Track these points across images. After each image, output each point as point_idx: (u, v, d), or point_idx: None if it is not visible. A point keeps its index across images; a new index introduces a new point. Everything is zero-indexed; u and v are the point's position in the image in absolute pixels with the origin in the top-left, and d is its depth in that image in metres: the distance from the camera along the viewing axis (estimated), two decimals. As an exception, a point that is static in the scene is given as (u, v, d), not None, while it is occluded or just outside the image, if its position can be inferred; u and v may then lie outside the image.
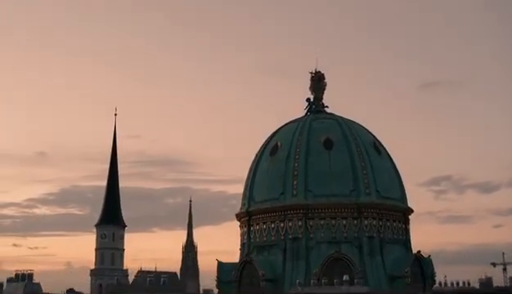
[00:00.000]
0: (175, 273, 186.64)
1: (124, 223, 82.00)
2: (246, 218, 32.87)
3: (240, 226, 33.75)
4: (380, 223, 31.07)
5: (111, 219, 79.72)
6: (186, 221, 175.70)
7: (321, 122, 33.97)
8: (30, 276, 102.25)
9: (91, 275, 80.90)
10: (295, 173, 31.41)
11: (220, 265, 33.14)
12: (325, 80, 36.21)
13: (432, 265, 32.23)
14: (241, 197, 34.39)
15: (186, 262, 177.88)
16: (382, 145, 34.47)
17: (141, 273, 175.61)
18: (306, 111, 36.04)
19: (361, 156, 31.97)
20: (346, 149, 32.17)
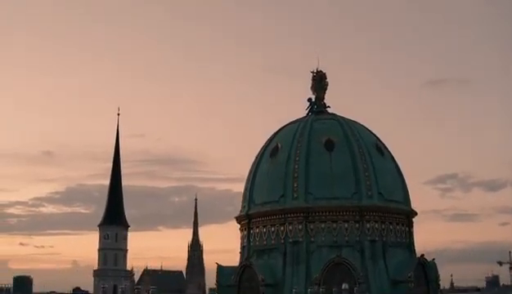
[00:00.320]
0: (181, 272, 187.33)
1: (127, 223, 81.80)
2: (246, 221, 32.23)
3: (240, 229, 33.11)
4: (383, 226, 30.32)
5: (114, 219, 79.53)
6: (192, 220, 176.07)
7: (322, 122, 33.24)
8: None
9: (94, 276, 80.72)
10: (295, 175, 30.70)
11: (220, 268, 32.55)
12: (327, 80, 35.46)
13: (436, 268, 31.51)
14: (241, 199, 33.74)
15: (191, 261, 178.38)
16: (385, 146, 33.71)
17: (147, 272, 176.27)
18: (307, 111, 35.30)
19: (363, 157, 31.20)
20: (347, 151, 31.44)
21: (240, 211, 33.14)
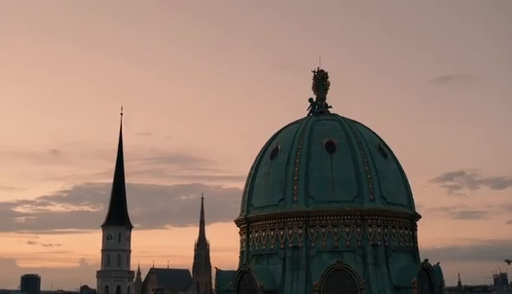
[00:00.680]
0: (187, 271, 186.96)
1: (131, 224, 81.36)
2: (245, 225, 31.44)
3: (239, 233, 32.31)
4: (385, 230, 29.43)
5: (117, 220, 79.08)
6: (199, 218, 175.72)
7: (323, 123, 32.34)
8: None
9: (97, 277, 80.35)
10: (295, 178, 29.84)
11: (219, 273, 31.93)
12: (328, 79, 34.57)
13: (441, 273, 30.66)
14: (240, 202, 32.96)
15: (198, 259, 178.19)
16: (388, 147, 32.80)
17: (154, 271, 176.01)
18: (308, 112, 34.43)
19: (365, 159, 30.29)
20: (349, 153, 30.54)
21: (239, 215, 32.35)
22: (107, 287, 76.93)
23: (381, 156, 31.44)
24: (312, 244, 28.83)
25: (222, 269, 31.67)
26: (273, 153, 31.87)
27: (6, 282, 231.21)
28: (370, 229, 28.99)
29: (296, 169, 30.05)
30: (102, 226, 79.57)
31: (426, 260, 29.75)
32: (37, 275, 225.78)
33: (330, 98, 34.97)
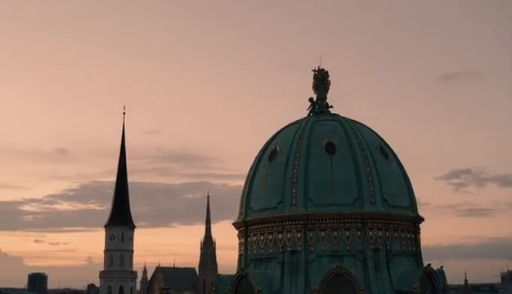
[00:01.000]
0: (193, 269, 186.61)
1: (133, 224, 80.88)
2: (243, 228, 30.74)
3: (238, 236, 31.60)
4: (387, 234, 28.62)
5: (120, 220, 78.60)
6: (205, 217, 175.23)
7: (323, 124, 31.53)
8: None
9: (100, 277, 79.95)
10: (294, 180, 29.07)
11: (218, 277, 31.51)
12: (329, 78, 33.77)
13: (444, 277, 29.90)
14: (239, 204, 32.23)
15: (204, 258, 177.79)
16: (390, 148, 31.98)
17: (160, 270, 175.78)
18: (308, 112, 33.65)
19: (365, 161, 29.47)
20: (349, 154, 29.74)
21: (238, 218, 31.65)
22: (110, 287, 76.59)
23: (382, 157, 30.63)
24: (312, 248, 28.09)
25: (227, 267, 31.14)
26: (272, 154, 31.12)
27: (13, 280, 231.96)
28: (370, 233, 28.21)
29: (295, 171, 29.29)
30: (105, 226, 79.14)
31: (429, 264, 28.97)
32: (44, 274, 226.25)
33: (332, 97, 34.27)
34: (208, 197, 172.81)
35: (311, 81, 33.93)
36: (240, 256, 30.94)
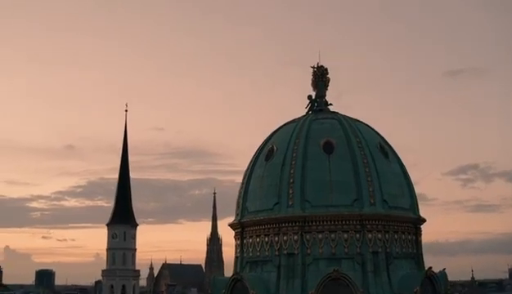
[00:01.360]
0: (200, 266, 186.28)
1: (136, 222, 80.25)
2: (239, 230, 29.90)
3: (234, 238, 30.77)
4: (387, 236, 27.68)
5: (122, 218, 77.96)
6: (211, 214, 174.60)
7: (321, 122, 30.58)
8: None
9: (102, 276, 79.46)
10: (291, 181, 28.18)
11: (213, 280, 30.89)
12: (328, 75, 32.83)
13: (446, 280, 28.98)
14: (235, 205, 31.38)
15: (210, 254, 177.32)
16: (390, 147, 31.03)
17: (166, 266, 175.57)
18: (307, 110, 32.72)
19: (365, 160, 28.50)
20: (348, 153, 28.79)
21: (234, 219, 30.81)
22: (112, 286, 76.14)
23: (382, 156, 29.67)
24: (308, 251, 27.21)
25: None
26: (268, 154, 30.25)
27: (21, 276, 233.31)
28: (369, 235, 27.30)
29: (292, 171, 28.41)
30: (107, 225, 78.66)
31: (430, 267, 28.05)
32: (51, 270, 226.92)
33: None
34: (214, 194, 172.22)
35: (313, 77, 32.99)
36: (236, 258, 30.13)
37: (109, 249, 78.35)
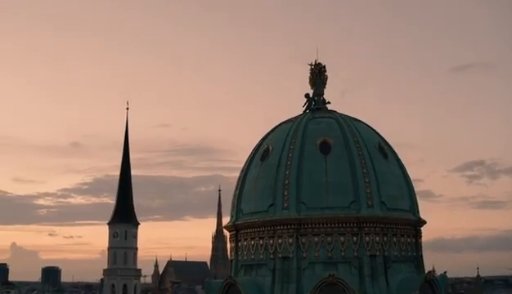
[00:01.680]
0: (205, 263, 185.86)
1: (137, 221, 79.68)
2: (234, 232, 29.13)
3: (229, 240, 30.03)
4: (385, 239, 26.79)
5: (123, 217, 77.38)
6: (216, 211, 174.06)
7: (318, 121, 29.70)
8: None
9: (103, 275, 78.99)
10: (286, 182, 27.34)
11: (207, 284, 30.18)
12: (326, 73, 31.93)
13: (447, 283, 28.29)
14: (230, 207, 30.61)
15: (215, 252, 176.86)
16: (390, 147, 30.13)
17: (171, 264, 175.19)
18: (304, 108, 31.85)
19: (363, 161, 27.60)
20: (345, 154, 27.90)
21: (228, 221, 30.05)
22: (113, 285, 75.69)
23: (381, 157, 28.78)
24: (304, 255, 26.39)
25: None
26: (264, 154, 29.41)
27: (27, 273, 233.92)
28: (367, 238, 26.43)
29: (287, 172, 27.56)
30: (108, 224, 78.18)
31: (430, 271, 27.24)
32: (57, 267, 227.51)
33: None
34: (219, 191, 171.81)
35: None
36: (231, 261, 29.39)
37: (110, 248, 77.86)
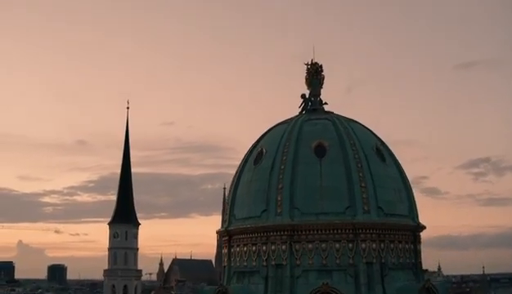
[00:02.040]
0: (210, 261, 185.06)
1: (138, 221, 79.03)
2: (226, 238, 28.25)
3: (223, 246, 29.15)
4: (382, 246, 25.82)
5: (124, 217, 76.73)
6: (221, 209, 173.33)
7: (314, 123, 28.72)
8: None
9: (104, 276, 78.41)
10: (280, 187, 26.40)
11: (201, 292, 29.26)
12: (323, 73, 30.91)
13: (446, 292, 27.21)
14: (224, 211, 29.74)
15: (220, 249, 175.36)
16: (388, 150, 29.12)
17: (176, 262, 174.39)
18: (300, 109, 30.89)
19: (359, 165, 26.61)
20: (341, 157, 26.91)
21: (221, 226, 29.16)
22: (114, 286, 75.18)
23: (379, 160, 27.78)
24: (298, 262, 25.47)
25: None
26: (257, 157, 28.48)
27: (34, 271, 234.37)
28: (363, 245, 25.46)
29: (281, 176, 26.62)
30: (108, 224, 77.63)
31: (428, 279, 26.28)
32: (63, 265, 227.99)
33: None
34: (224, 188, 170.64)
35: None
36: (224, 267, 28.53)
37: (110, 248, 77.30)
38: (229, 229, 27.93)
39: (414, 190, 28.96)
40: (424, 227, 28.37)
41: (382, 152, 28.37)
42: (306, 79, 31.10)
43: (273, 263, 25.70)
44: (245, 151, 29.97)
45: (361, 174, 26.43)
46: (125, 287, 74.87)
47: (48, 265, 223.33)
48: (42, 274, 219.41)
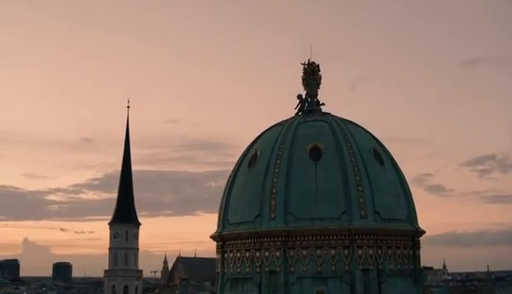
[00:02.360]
0: (214, 259, 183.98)
1: (138, 221, 78.44)
2: (220, 243, 27.50)
3: (216, 251, 28.37)
4: (379, 252, 24.98)
5: (124, 217, 76.17)
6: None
7: (310, 125, 27.89)
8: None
9: (104, 276, 77.91)
10: (274, 191, 25.59)
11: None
12: (320, 73, 30.08)
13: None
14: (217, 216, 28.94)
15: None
16: (387, 152, 28.27)
17: (180, 260, 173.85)
18: (297, 111, 30.06)
19: (356, 168, 25.76)
20: (337, 160, 26.07)
21: (215, 231, 28.38)
22: (114, 286, 74.71)
23: (376, 163, 26.91)
24: (292, 269, 24.68)
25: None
26: (252, 160, 27.69)
27: (39, 269, 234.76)
28: (360, 251, 24.63)
29: (275, 180, 25.81)
30: (109, 224, 77.13)
31: (427, 286, 25.48)
32: (68, 263, 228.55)
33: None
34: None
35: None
36: (217, 273, 27.76)
37: (111, 249, 76.81)
38: (222, 234, 27.18)
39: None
40: (423, 232, 27.55)
41: (380, 155, 27.51)
42: (302, 79, 30.27)
43: (267, 270, 24.95)
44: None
45: (357, 178, 25.59)
46: (126, 287, 74.45)
47: (53, 263, 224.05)
48: (48, 272, 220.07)
